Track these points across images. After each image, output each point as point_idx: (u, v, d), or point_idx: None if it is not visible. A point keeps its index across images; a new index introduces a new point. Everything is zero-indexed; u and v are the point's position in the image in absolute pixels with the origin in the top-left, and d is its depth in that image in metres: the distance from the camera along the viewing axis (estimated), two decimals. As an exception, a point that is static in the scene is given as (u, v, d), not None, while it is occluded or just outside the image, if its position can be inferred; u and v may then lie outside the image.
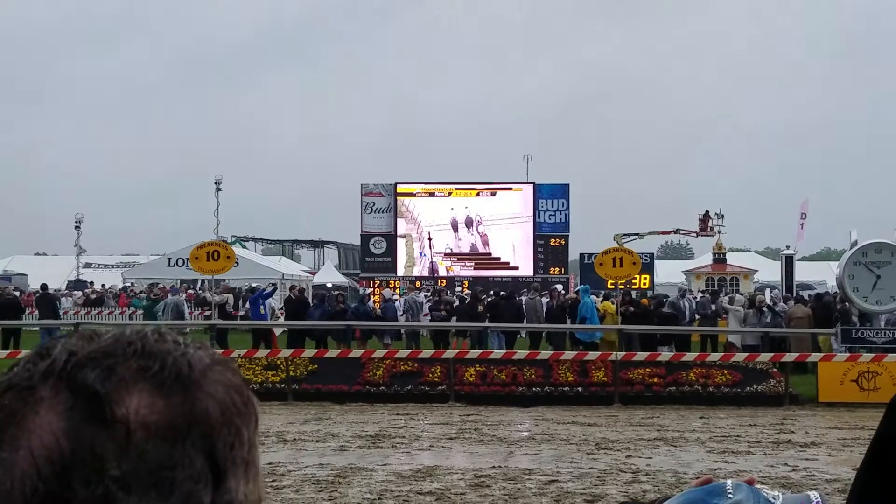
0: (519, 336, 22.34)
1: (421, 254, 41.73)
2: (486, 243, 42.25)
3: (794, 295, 25.50)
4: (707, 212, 42.61)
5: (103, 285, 39.19)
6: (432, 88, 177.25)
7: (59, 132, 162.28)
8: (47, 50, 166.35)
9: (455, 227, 42.15)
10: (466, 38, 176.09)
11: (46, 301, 22.78)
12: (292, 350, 18.09)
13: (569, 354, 17.56)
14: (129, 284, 39.69)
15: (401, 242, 41.62)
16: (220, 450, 0.74)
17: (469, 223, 42.14)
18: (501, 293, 24.85)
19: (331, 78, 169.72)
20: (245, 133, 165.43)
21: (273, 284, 28.36)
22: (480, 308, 22.19)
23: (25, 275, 43.21)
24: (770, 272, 40.83)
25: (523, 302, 22.87)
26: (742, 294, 24.14)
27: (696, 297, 24.86)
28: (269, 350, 18.24)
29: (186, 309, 22.99)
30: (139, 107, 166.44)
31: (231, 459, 0.75)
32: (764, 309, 20.43)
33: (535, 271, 40.77)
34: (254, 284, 27.87)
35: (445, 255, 41.96)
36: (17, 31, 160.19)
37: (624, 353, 17.78)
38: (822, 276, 39.66)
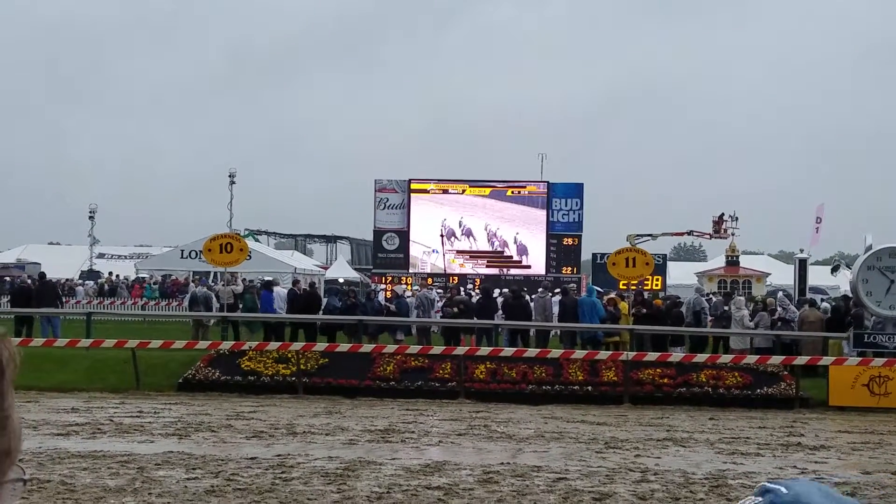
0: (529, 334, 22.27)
1: (434, 251, 41.75)
2: (498, 241, 42.25)
3: (807, 298, 25.37)
4: (721, 214, 42.44)
5: (117, 276, 39.37)
6: (468, 90, 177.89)
7: (92, 125, 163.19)
8: (92, 47, 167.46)
9: (467, 225, 42.16)
10: (511, 43, 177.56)
11: (47, 289, 22.84)
12: (303, 343, 18.14)
13: (579, 353, 17.53)
14: (143, 276, 39.88)
15: (414, 238, 41.66)
16: None
17: (481, 220, 42.14)
18: (507, 290, 24.86)
19: (374, 78, 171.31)
20: (278, 129, 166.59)
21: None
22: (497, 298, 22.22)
23: (39, 263, 43.41)
24: (783, 276, 40.65)
25: (532, 300, 22.80)
26: (741, 296, 23.85)
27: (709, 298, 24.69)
28: (280, 343, 18.30)
29: (215, 302, 23.06)
30: (176, 103, 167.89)
31: None
32: (777, 309, 20.27)
33: (548, 270, 40.74)
34: (267, 278, 27.90)
35: (458, 252, 42.00)
36: (60, 28, 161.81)
37: (635, 353, 17.76)
38: (836, 280, 39.44)
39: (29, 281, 25.72)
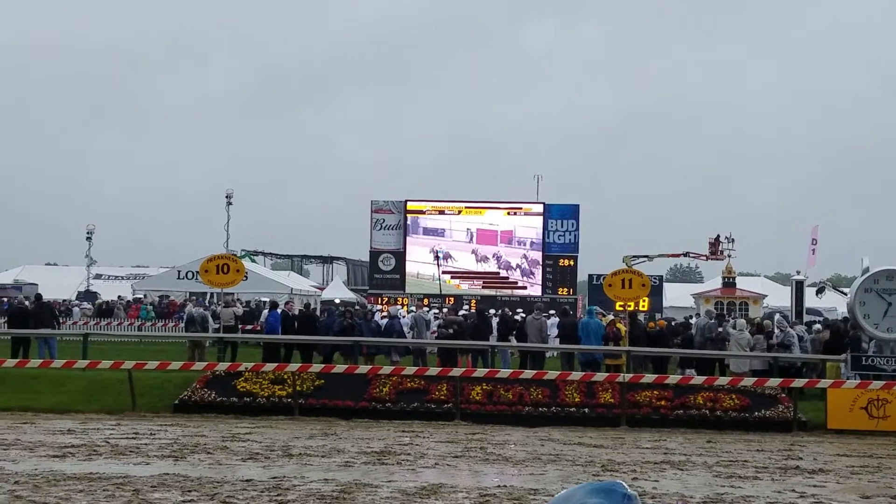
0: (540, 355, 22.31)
1: (439, 278, 41.66)
2: (495, 262, 42.27)
3: (824, 319, 25.52)
4: (718, 235, 42.57)
5: (118, 297, 39.27)
6: (483, 114, 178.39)
7: (105, 146, 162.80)
8: (113, 69, 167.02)
9: (463, 245, 42.19)
10: (531, 67, 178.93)
11: (44, 310, 22.73)
12: (299, 365, 18.09)
13: (576, 375, 17.50)
14: (140, 296, 39.80)
15: (410, 259, 41.66)
16: None
17: (478, 241, 42.18)
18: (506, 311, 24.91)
19: (388, 103, 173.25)
20: (284, 151, 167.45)
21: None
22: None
23: (36, 284, 43.34)
24: (780, 297, 40.69)
25: (526, 322, 22.79)
26: (742, 319, 23.89)
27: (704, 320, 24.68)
28: (276, 364, 18.26)
29: (213, 323, 23.03)
30: (190, 125, 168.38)
31: None
32: (775, 331, 20.24)
33: (544, 291, 40.75)
34: (265, 299, 27.85)
35: (454, 273, 42.01)
36: (85, 49, 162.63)
37: (631, 374, 17.73)
38: (831, 302, 39.49)
39: (26, 302, 25.67)
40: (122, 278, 51.14)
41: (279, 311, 23.37)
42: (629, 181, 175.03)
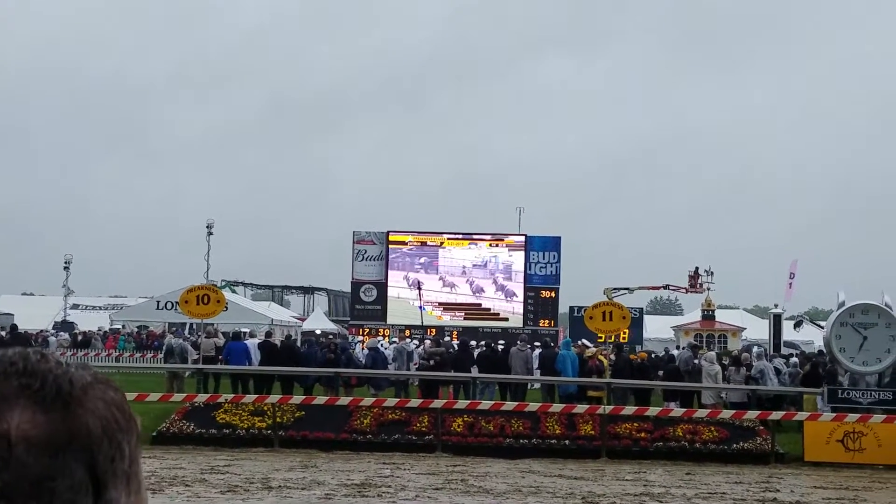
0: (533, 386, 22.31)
1: (420, 308, 41.66)
2: (476, 293, 42.36)
3: (808, 354, 25.74)
4: (697, 268, 42.95)
5: (99, 328, 38.98)
6: (483, 149, 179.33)
7: (101, 178, 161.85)
8: (115, 100, 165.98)
9: (445, 276, 42.27)
10: (541, 102, 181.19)
11: (18, 341, 22.55)
12: (280, 396, 18.02)
13: (557, 407, 17.53)
14: (118, 326, 39.53)
15: (392, 291, 41.69)
16: (100, 462, 0.82)
17: (460, 273, 42.29)
18: (491, 344, 24.95)
19: (396, 131, 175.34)
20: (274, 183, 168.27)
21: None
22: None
23: (12, 314, 42.93)
24: (758, 330, 40.98)
25: (511, 353, 22.84)
26: (712, 351, 24.02)
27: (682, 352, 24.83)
28: (256, 396, 18.17)
29: (192, 353, 22.88)
30: (193, 153, 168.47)
31: (112, 471, 0.82)
32: (754, 364, 20.39)
33: (525, 323, 40.83)
34: (243, 329, 27.74)
35: (435, 304, 42.04)
36: (89, 80, 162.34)
37: (612, 406, 17.78)
38: (809, 335, 39.80)
39: (1, 333, 25.46)
40: (100, 308, 50.74)
41: (246, 342, 23.18)
42: (614, 215, 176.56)
